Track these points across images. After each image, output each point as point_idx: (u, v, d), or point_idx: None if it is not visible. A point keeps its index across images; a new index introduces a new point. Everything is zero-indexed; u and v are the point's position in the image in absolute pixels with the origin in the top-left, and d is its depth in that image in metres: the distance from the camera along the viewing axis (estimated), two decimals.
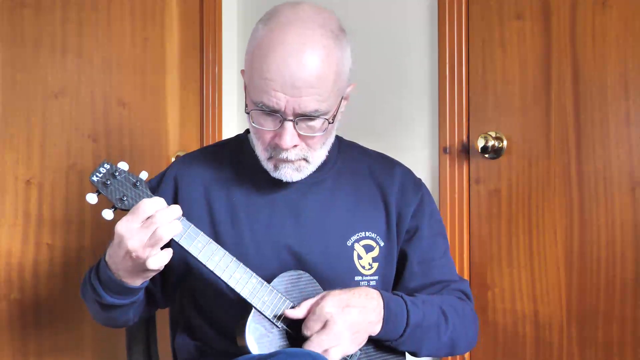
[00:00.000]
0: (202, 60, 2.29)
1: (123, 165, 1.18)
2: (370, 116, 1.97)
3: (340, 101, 1.28)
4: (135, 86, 2.14)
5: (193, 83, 2.28)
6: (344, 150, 1.43)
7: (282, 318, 1.21)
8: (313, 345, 1.15)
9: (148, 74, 2.17)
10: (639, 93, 1.53)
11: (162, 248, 1.13)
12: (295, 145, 1.23)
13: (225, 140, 1.49)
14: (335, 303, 1.18)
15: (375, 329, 1.22)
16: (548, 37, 1.65)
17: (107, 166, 1.17)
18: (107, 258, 1.18)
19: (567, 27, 1.62)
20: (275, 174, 1.28)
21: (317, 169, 1.35)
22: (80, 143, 2.03)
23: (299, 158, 1.26)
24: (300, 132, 1.22)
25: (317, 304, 1.18)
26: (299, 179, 1.29)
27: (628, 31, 1.53)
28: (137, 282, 1.19)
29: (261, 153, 1.28)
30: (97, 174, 1.16)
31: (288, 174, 1.27)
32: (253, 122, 1.25)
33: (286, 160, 1.25)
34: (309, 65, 1.17)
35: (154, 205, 1.11)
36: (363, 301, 1.20)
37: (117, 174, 1.16)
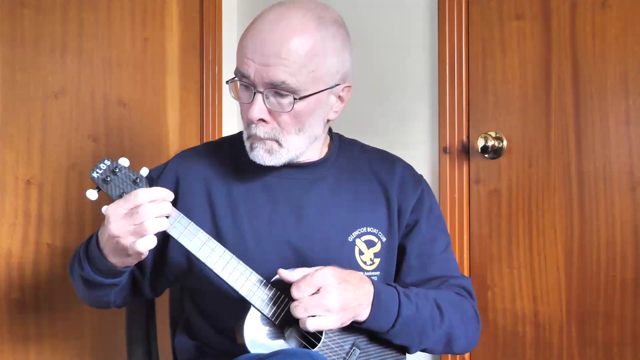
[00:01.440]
0: (202, 60, 2.29)
1: (124, 162, 1.18)
2: (370, 116, 1.97)
3: (323, 92, 1.26)
4: (135, 86, 2.14)
5: (193, 83, 2.28)
6: (344, 148, 1.43)
7: (282, 316, 1.21)
8: (300, 307, 1.13)
9: (148, 74, 2.17)
10: (639, 93, 1.53)
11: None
12: (264, 121, 1.24)
13: (226, 136, 1.49)
14: (334, 274, 1.17)
15: (363, 314, 1.20)
16: (548, 37, 1.65)
17: (108, 162, 1.17)
18: (98, 234, 1.19)
19: (567, 27, 1.62)
20: (251, 155, 1.28)
21: (318, 166, 1.35)
22: (80, 143, 2.03)
23: (270, 137, 1.25)
24: (269, 107, 1.23)
25: (314, 271, 1.17)
26: (272, 163, 1.27)
27: (628, 31, 1.54)
28: (119, 264, 1.19)
29: (244, 132, 1.30)
30: (98, 170, 1.16)
31: (260, 154, 1.27)
32: (230, 93, 1.30)
33: (257, 138, 1.26)
34: (279, 35, 1.20)
35: (147, 196, 1.11)
36: (358, 281, 1.20)
37: (117, 170, 1.16)
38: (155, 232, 1.11)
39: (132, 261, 1.18)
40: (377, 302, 1.21)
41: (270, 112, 1.24)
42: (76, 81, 2.03)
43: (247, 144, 1.29)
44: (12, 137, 1.93)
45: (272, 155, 1.27)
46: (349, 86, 1.33)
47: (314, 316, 1.14)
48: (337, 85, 1.29)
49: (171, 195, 1.15)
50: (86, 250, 1.24)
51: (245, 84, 1.24)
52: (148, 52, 2.17)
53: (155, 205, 1.11)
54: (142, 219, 1.10)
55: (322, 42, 1.23)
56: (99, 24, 2.07)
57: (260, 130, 1.25)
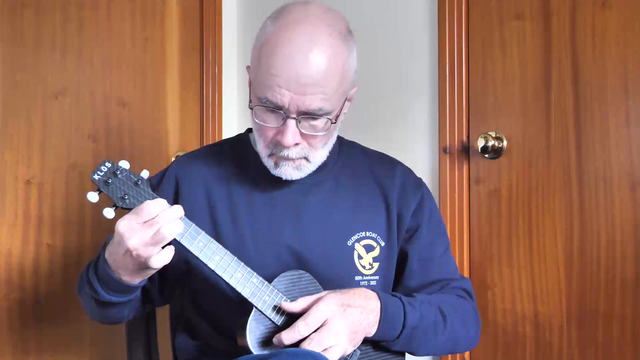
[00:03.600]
0: (202, 60, 2.29)
1: (124, 164, 1.18)
2: (370, 116, 1.97)
3: (344, 102, 1.28)
4: (135, 86, 2.14)
5: (193, 83, 2.28)
6: (344, 151, 1.43)
7: (283, 317, 1.21)
8: (313, 343, 1.14)
9: (148, 74, 2.17)
10: (639, 93, 1.53)
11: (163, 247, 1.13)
12: (296, 144, 1.23)
13: (226, 139, 1.49)
14: (336, 302, 1.17)
15: (372, 330, 1.22)
16: (548, 37, 1.65)
17: (109, 164, 1.17)
18: (107, 255, 1.18)
19: (567, 27, 1.62)
20: (276, 172, 1.27)
21: (318, 169, 1.35)
22: (80, 143, 2.03)
23: (300, 157, 1.26)
24: (303, 131, 1.22)
25: (316, 302, 1.18)
26: (299, 177, 1.29)
27: (628, 31, 1.54)
28: (135, 280, 1.19)
29: (262, 150, 1.28)
30: (99, 172, 1.16)
31: (288, 172, 1.27)
32: (256, 118, 1.25)
33: (287, 159, 1.25)
34: (315, 63, 1.17)
35: (157, 207, 1.11)
36: (362, 302, 1.21)
37: (118, 172, 1.16)
38: (174, 236, 1.11)
39: (151, 272, 1.18)
40: (384, 316, 1.23)
41: (302, 134, 1.23)
42: (76, 81, 2.03)
43: (269, 161, 1.27)
44: (12, 137, 1.93)
45: (300, 171, 1.28)
46: (357, 87, 1.34)
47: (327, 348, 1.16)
48: (351, 90, 1.30)
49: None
50: (95, 274, 1.23)
51: (275, 110, 1.21)
52: (148, 52, 2.17)
53: (170, 211, 1.12)
54: (159, 226, 1.09)
55: (348, 59, 1.23)
56: (99, 24, 2.07)
57: (292, 152, 1.24)
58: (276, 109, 1.20)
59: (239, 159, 1.38)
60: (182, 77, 2.25)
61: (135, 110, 2.13)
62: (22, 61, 1.95)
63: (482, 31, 1.77)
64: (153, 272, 1.18)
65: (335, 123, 1.25)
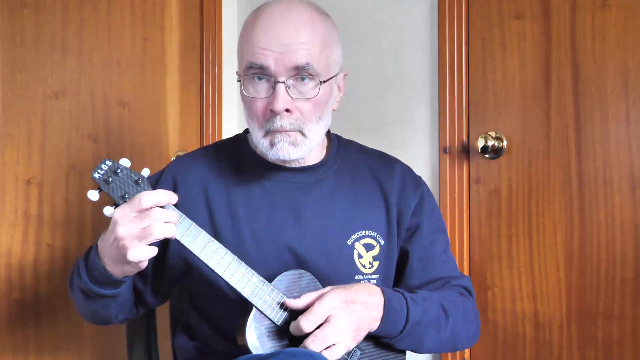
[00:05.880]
0: (202, 60, 2.28)
1: (125, 162, 1.17)
2: (370, 116, 1.97)
3: (333, 78, 1.29)
4: (135, 86, 2.13)
5: (193, 83, 2.28)
6: (343, 149, 1.43)
7: (283, 317, 1.21)
8: (317, 341, 1.14)
9: (148, 74, 2.17)
10: (639, 93, 1.53)
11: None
12: (288, 111, 1.23)
13: (223, 140, 1.49)
14: (339, 298, 1.17)
15: (375, 326, 1.22)
16: (548, 37, 1.65)
17: (109, 163, 1.16)
18: (99, 241, 1.18)
19: (567, 27, 1.62)
20: (272, 152, 1.26)
21: (316, 168, 1.35)
22: (80, 143, 2.03)
23: (294, 129, 1.25)
24: (293, 96, 1.23)
25: (320, 298, 1.17)
26: (297, 156, 1.27)
27: (628, 31, 1.54)
28: (117, 272, 1.18)
29: (257, 132, 1.27)
30: (99, 170, 1.16)
31: (284, 149, 1.25)
32: (245, 92, 1.27)
33: (281, 131, 1.24)
34: (294, 24, 1.23)
35: (152, 199, 1.11)
36: (366, 298, 1.20)
37: (118, 171, 1.16)
38: (162, 237, 1.10)
39: (131, 269, 1.17)
40: (387, 311, 1.22)
41: (292, 102, 1.23)
42: (76, 81, 2.03)
43: (264, 142, 1.26)
44: (12, 137, 1.93)
45: (297, 147, 1.26)
46: (346, 74, 1.36)
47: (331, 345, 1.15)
48: (338, 74, 1.33)
49: (174, 198, 1.15)
50: (85, 259, 1.23)
51: (262, 75, 1.24)
52: (148, 52, 2.17)
53: (165, 211, 1.11)
54: (150, 221, 1.09)
55: (329, 32, 1.28)
56: (99, 24, 2.07)
57: (285, 122, 1.23)
58: (263, 73, 1.22)
59: (237, 159, 1.38)
60: (182, 77, 2.25)
61: (135, 110, 2.13)
62: (22, 61, 1.95)
63: (482, 31, 1.77)
64: (132, 269, 1.17)
65: (325, 83, 1.25)
